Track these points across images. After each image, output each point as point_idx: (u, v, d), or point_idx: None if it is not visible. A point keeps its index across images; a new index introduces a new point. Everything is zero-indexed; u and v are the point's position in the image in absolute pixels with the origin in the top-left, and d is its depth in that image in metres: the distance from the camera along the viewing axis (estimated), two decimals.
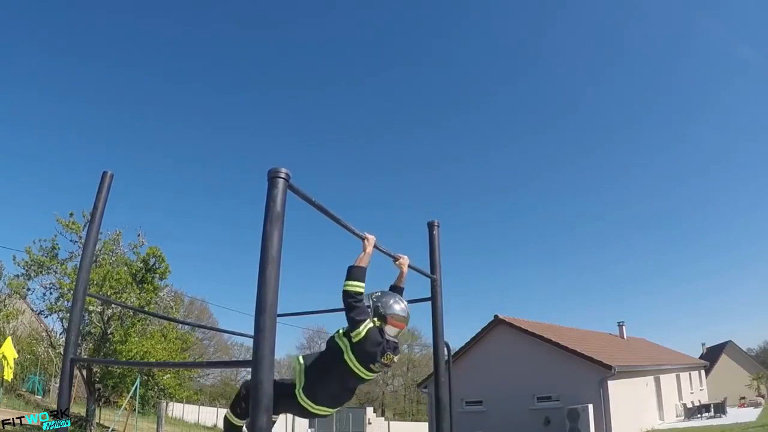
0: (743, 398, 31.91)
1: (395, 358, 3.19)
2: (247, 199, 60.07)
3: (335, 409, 3.36)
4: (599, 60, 66.88)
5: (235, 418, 3.36)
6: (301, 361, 3.22)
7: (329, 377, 3.11)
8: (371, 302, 3.27)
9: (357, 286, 3.11)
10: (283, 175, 2.45)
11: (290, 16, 65.78)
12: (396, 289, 3.66)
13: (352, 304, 3.08)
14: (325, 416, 3.34)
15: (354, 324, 3.06)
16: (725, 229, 69.56)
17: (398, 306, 3.25)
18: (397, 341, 3.24)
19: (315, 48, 67.97)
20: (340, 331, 3.19)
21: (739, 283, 70.78)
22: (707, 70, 64.80)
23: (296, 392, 3.12)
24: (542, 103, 70.14)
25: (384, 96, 72.21)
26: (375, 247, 3.36)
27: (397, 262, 3.74)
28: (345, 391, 3.25)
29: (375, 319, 3.18)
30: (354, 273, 3.15)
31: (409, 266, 3.80)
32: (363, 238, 3.33)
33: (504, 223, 71.58)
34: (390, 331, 3.19)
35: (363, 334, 3.03)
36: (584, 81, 66.49)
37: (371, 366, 3.09)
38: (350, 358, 3.06)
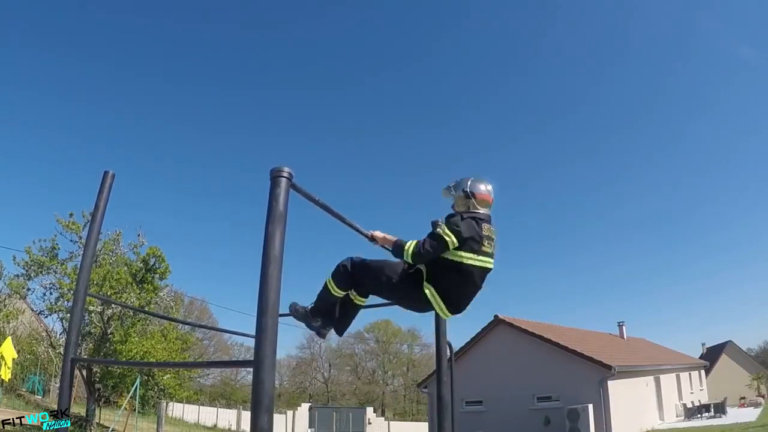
0: (743, 398, 31.89)
1: (493, 229, 3.14)
2: (247, 199, 60.05)
3: None
4: (599, 60, 66.98)
5: (335, 287, 3.21)
6: (433, 292, 3.04)
7: (462, 288, 3.08)
8: (451, 192, 3.28)
9: (410, 246, 3.02)
10: (285, 175, 2.44)
11: (290, 16, 65.91)
12: None
13: (426, 252, 2.97)
14: None
15: (443, 244, 2.95)
16: (725, 229, 69.55)
17: (482, 185, 3.23)
18: (489, 214, 3.20)
19: (316, 48, 68.05)
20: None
21: (739, 283, 70.85)
22: (707, 70, 64.92)
23: (437, 308, 3.07)
24: (542, 103, 70.24)
25: (384, 96, 72.38)
26: (382, 240, 3.32)
27: None
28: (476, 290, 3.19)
29: (462, 196, 3.18)
30: (398, 246, 3.09)
31: None
32: (370, 237, 3.33)
33: (504, 222, 71.40)
34: (481, 206, 3.17)
35: (450, 231, 2.95)
36: (584, 81, 66.60)
37: (483, 248, 3.03)
38: (467, 257, 2.99)
